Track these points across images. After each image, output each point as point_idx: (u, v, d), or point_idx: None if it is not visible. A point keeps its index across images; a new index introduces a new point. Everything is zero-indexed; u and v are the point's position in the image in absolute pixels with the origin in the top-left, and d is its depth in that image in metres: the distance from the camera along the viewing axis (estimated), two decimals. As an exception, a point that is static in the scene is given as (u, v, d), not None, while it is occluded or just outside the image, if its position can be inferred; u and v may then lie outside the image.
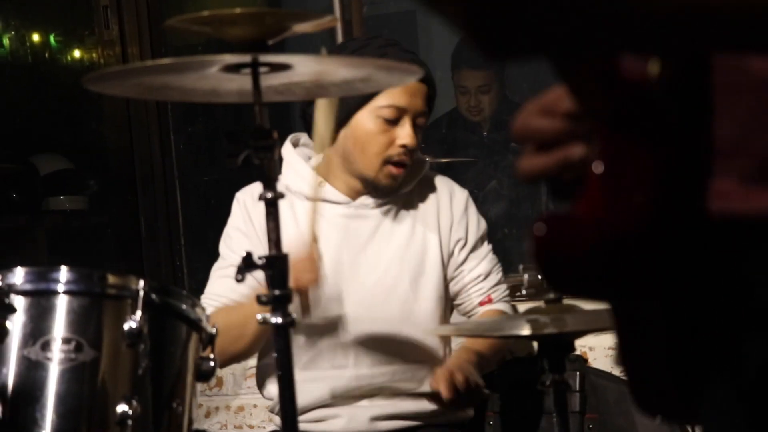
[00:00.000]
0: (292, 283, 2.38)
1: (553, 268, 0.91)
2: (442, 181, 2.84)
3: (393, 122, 2.66)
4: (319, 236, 2.54)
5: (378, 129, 2.66)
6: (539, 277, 2.18)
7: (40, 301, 1.90)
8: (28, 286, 1.91)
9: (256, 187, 2.77)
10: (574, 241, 0.90)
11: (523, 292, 2.44)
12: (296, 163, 2.78)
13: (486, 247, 2.84)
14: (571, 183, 0.94)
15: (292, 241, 2.45)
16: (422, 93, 2.68)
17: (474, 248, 2.81)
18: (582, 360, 3.11)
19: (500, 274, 2.86)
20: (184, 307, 1.98)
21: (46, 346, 1.86)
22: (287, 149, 2.80)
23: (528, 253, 0.92)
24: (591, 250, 0.89)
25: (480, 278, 2.80)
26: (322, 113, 2.60)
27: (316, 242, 2.54)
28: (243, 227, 2.75)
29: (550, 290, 0.91)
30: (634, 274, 0.90)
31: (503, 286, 2.86)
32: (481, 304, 2.81)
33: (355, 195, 2.76)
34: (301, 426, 1.83)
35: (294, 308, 1.88)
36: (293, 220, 2.73)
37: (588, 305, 2.72)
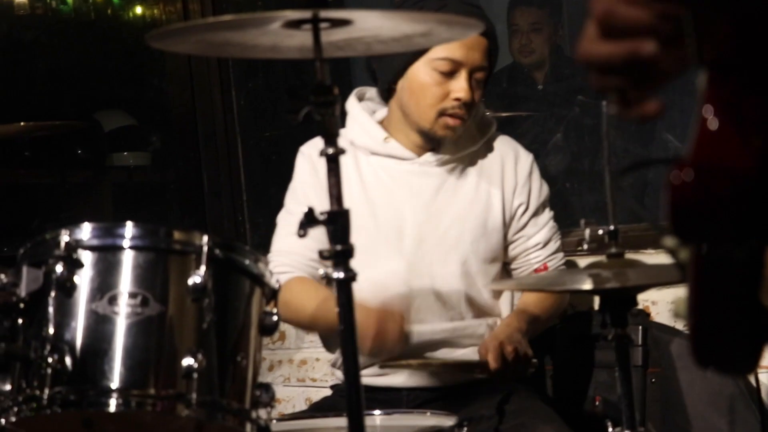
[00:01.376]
0: (367, 345, 2.40)
1: (686, 214, 0.91)
2: (508, 143, 2.82)
3: (448, 75, 2.64)
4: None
5: (433, 81, 2.64)
6: (600, 232, 2.16)
7: (107, 256, 1.92)
8: (94, 242, 1.93)
9: (319, 141, 2.77)
10: (705, 187, 0.89)
11: (585, 246, 2.42)
12: (361, 118, 2.78)
13: (547, 214, 2.82)
14: (627, 79, 0.91)
15: (382, 305, 2.46)
16: (481, 47, 2.66)
17: (535, 214, 2.79)
18: (644, 314, 3.09)
19: (558, 242, 2.85)
20: (247, 262, 1.99)
21: (113, 300, 1.88)
22: (352, 103, 2.80)
23: (664, 201, 0.91)
24: (720, 195, 0.89)
25: (539, 246, 2.79)
26: None
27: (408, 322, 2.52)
28: (309, 179, 2.76)
29: (676, 238, 0.90)
30: (757, 216, 0.89)
31: (560, 255, 2.84)
32: (536, 271, 2.79)
33: (419, 151, 2.75)
34: (363, 381, 1.84)
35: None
36: (357, 175, 2.73)
37: (651, 260, 2.70)
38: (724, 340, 0.99)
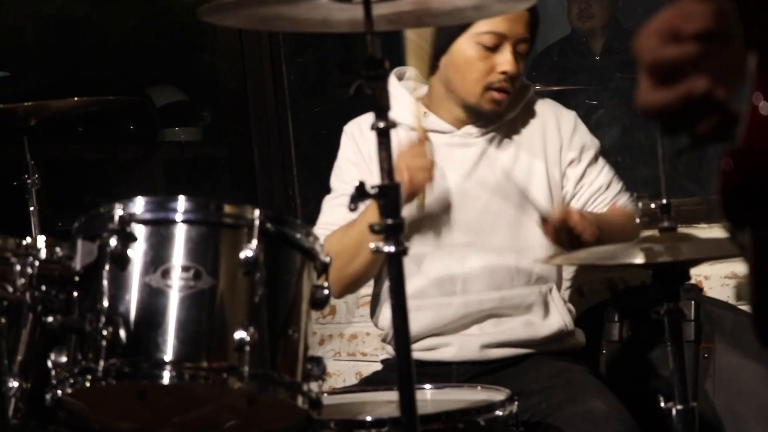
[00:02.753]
0: (405, 183, 2.42)
1: (738, 200, 0.91)
2: (547, 105, 2.81)
3: (493, 49, 2.63)
4: (427, 134, 2.56)
5: (478, 55, 2.64)
6: (652, 206, 2.15)
7: (160, 229, 1.94)
8: (147, 216, 1.94)
9: (363, 119, 2.79)
10: (756, 173, 0.89)
11: (637, 220, 2.41)
12: (401, 96, 2.78)
13: (602, 161, 2.80)
14: (689, 119, 0.92)
15: (400, 142, 2.49)
16: (523, 19, 2.65)
17: (590, 163, 2.77)
18: (697, 289, 3.07)
19: (621, 183, 2.82)
20: (298, 236, 2.00)
21: (166, 273, 1.90)
22: (392, 82, 2.80)
23: (715, 189, 0.91)
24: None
25: (602, 189, 2.77)
26: (413, 45, 2.59)
27: (427, 139, 2.54)
28: (353, 158, 2.77)
29: (729, 225, 0.89)
30: None
31: (627, 195, 2.81)
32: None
33: (459, 124, 2.75)
34: (413, 355, 1.84)
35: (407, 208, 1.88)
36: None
37: (704, 234, 2.68)
38: None
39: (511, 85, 2.66)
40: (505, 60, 2.63)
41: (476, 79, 2.65)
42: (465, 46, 2.65)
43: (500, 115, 2.73)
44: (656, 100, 0.93)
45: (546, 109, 2.79)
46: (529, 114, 2.78)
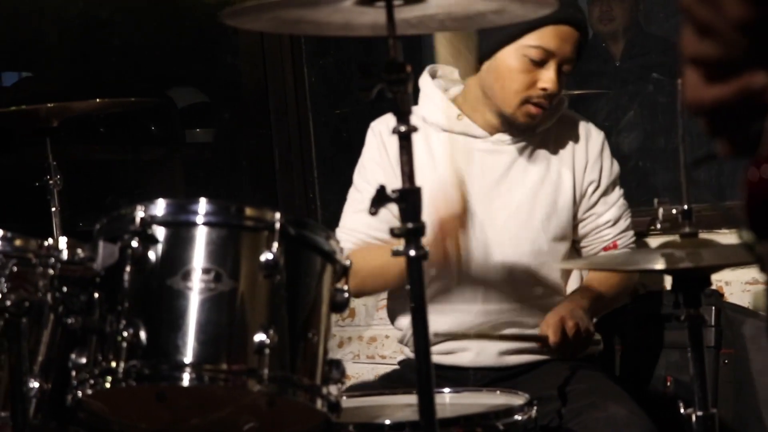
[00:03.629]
0: (437, 230, 2.41)
1: (763, 211, 0.88)
2: (579, 121, 2.80)
3: (538, 64, 2.62)
4: (465, 179, 2.53)
5: (522, 68, 2.63)
6: (674, 211, 2.14)
7: (180, 232, 1.94)
8: (169, 218, 1.95)
9: (391, 117, 2.78)
10: None
11: (658, 226, 2.41)
12: (433, 95, 2.78)
13: (617, 192, 2.80)
14: (744, 117, 0.87)
15: (435, 187, 2.47)
16: (573, 39, 2.64)
17: (605, 192, 2.77)
18: (718, 294, 3.06)
19: (629, 221, 2.83)
20: (319, 239, 2.00)
21: (186, 275, 1.90)
22: (425, 80, 2.79)
23: (741, 200, 0.89)
24: None
25: (609, 224, 2.77)
26: (443, 46, 2.59)
27: (463, 185, 2.52)
28: (377, 157, 2.76)
29: (753, 233, 0.85)
30: None
31: (630, 233, 2.82)
32: (605, 249, 2.78)
33: (492, 130, 2.74)
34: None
35: (432, 258, 1.88)
36: (428, 152, 2.73)
37: (725, 240, 2.67)
38: None
39: (549, 102, 2.65)
40: (548, 77, 2.62)
41: (516, 90, 2.64)
42: (510, 56, 2.64)
43: (533, 127, 2.72)
44: (709, 95, 0.88)
45: (578, 125, 2.79)
46: (561, 127, 2.77)
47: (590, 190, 2.76)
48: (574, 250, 2.81)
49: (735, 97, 0.87)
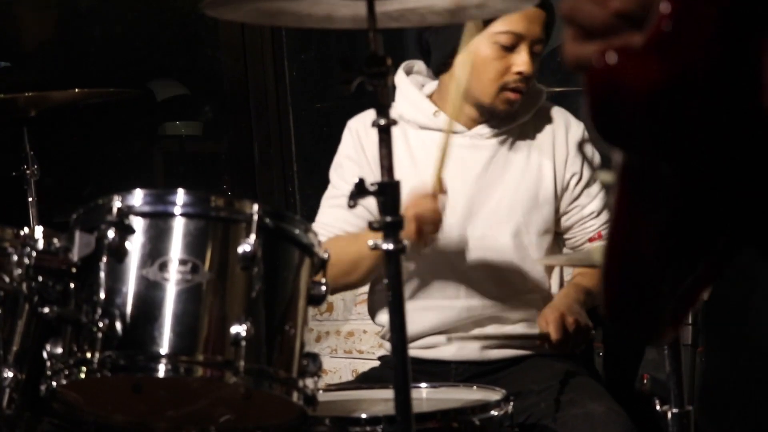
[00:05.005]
0: (412, 229, 2.40)
1: (610, 106, 0.83)
2: (558, 113, 2.82)
3: (509, 49, 2.63)
4: (446, 184, 2.53)
5: (494, 55, 2.64)
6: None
7: (158, 222, 1.94)
8: (146, 208, 1.95)
9: (368, 115, 2.78)
10: (639, 75, 0.82)
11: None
12: (409, 92, 2.78)
13: (599, 183, 2.81)
14: None
15: (414, 187, 2.47)
16: (540, 19, 2.65)
17: (588, 184, 2.78)
18: (695, 293, 3.07)
19: None
20: (297, 231, 2.01)
21: (163, 266, 1.91)
22: (400, 77, 2.80)
23: (583, 90, 0.84)
24: (657, 86, 0.82)
25: (593, 215, 2.78)
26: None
27: (443, 191, 2.52)
28: (354, 155, 2.77)
29: (599, 135, 0.80)
30: (694, 120, 0.82)
31: None
32: (591, 240, 2.79)
33: (470, 124, 2.75)
34: (411, 353, 1.85)
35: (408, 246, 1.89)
36: (406, 150, 2.74)
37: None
38: (642, 289, 0.92)
39: (525, 85, 2.66)
40: (521, 60, 2.63)
41: (492, 79, 2.65)
42: (481, 45, 2.65)
43: (513, 118, 2.73)
44: (585, 52, 0.87)
45: (558, 117, 2.80)
46: (541, 119, 2.78)
47: (573, 182, 2.77)
48: (557, 243, 2.82)
49: None
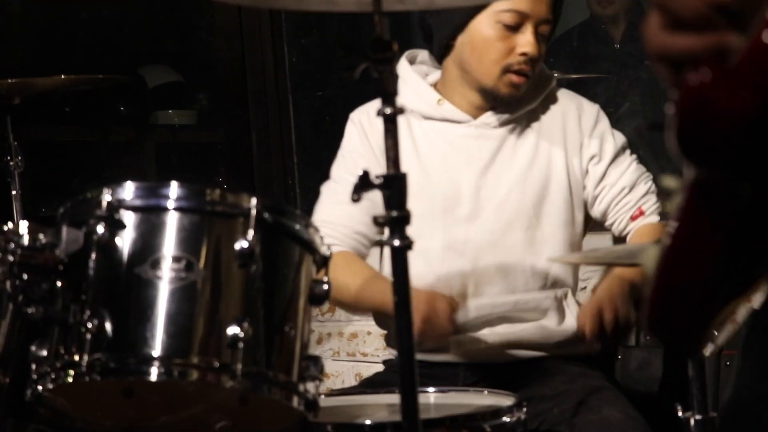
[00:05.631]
0: (418, 327, 2.40)
1: (700, 125, 0.85)
2: (569, 97, 2.80)
3: (513, 29, 2.63)
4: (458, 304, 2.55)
5: (497, 35, 2.63)
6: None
7: (150, 217, 1.93)
8: (137, 202, 1.94)
9: (371, 106, 2.78)
10: (734, 96, 0.83)
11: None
12: (413, 81, 2.78)
13: (628, 157, 2.77)
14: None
15: (425, 288, 2.49)
16: (546, -1, 2.65)
17: (613, 161, 2.75)
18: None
19: (649, 183, 2.78)
20: (297, 227, 2.00)
21: (155, 264, 1.90)
22: (403, 66, 2.79)
23: (674, 105, 0.85)
24: (752, 110, 0.83)
25: (625, 191, 2.74)
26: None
27: (456, 308, 2.52)
28: (360, 148, 2.76)
29: (681, 152, 0.82)
30: None
31: (654, 197, 2.78)
32: (633, 218, 2.75)
33: (476, 112, 2.75)
34: (417, 356, 1.84)
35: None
36: (410, 140, 2.73)
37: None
38: (693, 303, 0.92)
39: (531, 68, 2.65)
40: (526, 41, 2.63)
41: (494, 60, 2.64)
42: (483, 25, 2.64)
43: (520, 104, 2.72)
44: (677, 43, 0.88)
45: (568, 101, 2.79)
46: (550, 105, 2.77)
47: (593, 164, 2.74)
48: (583, 233, 2.79)
49: (706, 51, 0.87)
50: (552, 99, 2.79)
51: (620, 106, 4.10)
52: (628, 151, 2.79)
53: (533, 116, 2.76)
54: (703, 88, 0.84)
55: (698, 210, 0.90)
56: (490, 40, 2.64)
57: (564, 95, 2.80)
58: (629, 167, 2.76)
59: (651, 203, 2.76)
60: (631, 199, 2.74)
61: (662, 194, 2.73)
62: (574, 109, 2.77)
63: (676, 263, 0.92)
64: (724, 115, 0.84)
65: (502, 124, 2.74)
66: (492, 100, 2.72)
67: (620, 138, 2.79)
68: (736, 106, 0.83)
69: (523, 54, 2.63)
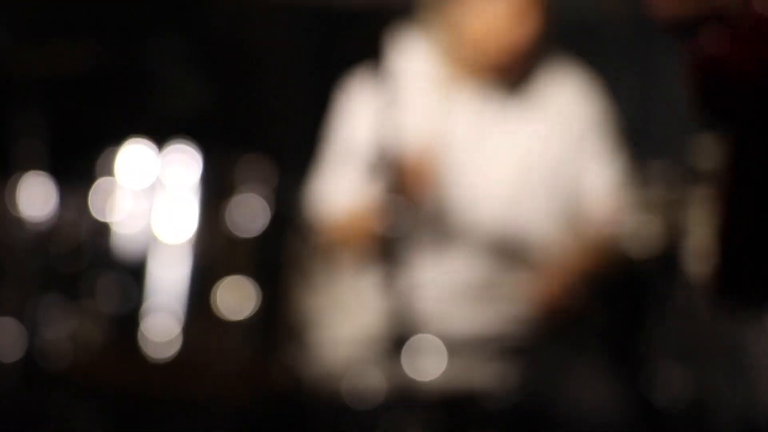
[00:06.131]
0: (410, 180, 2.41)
1: (719, 85, 0.88)
2: (568, 67, 2.80)
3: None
4: (443, 143, 2.55)
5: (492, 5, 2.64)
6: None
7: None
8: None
9: (366, 73, 2.76)
10: (747, 56, 0.87)
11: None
12: (413, 50, 2.76)
13: (609, 141, 2.79)
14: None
15: (414, 144, 2.48)
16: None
17: (601, 152, 2.76)
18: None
19: (621, 168, 2.80)
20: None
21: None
22: (403, 35, 2.78)
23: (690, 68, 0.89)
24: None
25: (601, 188, 2.76)
26: None
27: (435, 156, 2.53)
28: (359, 112, 2.73)
29: (703, 111, 0.87)
30: None
31: (619, 181, 2.79)
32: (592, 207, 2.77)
33: (473, 79, 2.73)
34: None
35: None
36: (411, 106, 2.71)
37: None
38: (757, 260, 0.96)
39: (526, 36, 2.65)
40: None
41: (489, 23, 2.64)
42: None
43: (518, 78, 2.71)
44: (684, 10, 0.91)
45: (569, 77, 2.78)
46: (548, 79, 2.76)
47: (582, 141, 2.74)
48: (575, 213, 2.80)
49: (711, 11, 0.89)
50: (551, 72, 2.77)
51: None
52: (609, 133, 2.79)
53: (532, 90, 2.75)
54: (716, 53, 0.88)
55: (741, 171, 0.92)
56: (482, 2, 2.65)
57: (563, 70, 2.79)
58: (612, 166, 2.77)
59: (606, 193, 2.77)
60: (602, 198, 2.75)
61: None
62: (574, 85, 2.77)
63: (735, 225, 0.94)
64: (740, 73, 0.87)
65: (500, 92, 2.73)
66: (488, 66, 2.71)
67: (610, 117, 2.79)
68: (750, 64, 0.86)
69: (519, 17, 2.63)
